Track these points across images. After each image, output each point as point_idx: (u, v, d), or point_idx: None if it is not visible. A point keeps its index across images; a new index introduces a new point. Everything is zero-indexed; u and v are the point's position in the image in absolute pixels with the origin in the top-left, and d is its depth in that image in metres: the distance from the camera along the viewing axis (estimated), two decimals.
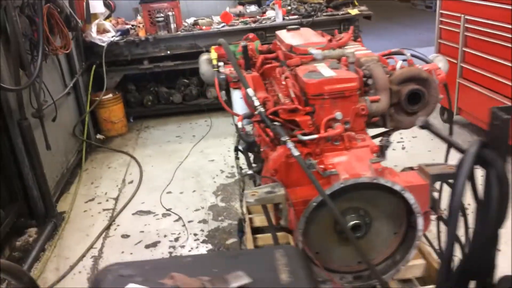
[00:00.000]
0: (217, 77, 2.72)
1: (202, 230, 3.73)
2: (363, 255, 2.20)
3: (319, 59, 2.44)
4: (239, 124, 2.66)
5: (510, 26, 3.98)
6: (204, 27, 5.94)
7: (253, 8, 6.50)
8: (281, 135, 2.25)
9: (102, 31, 5.81)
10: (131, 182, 4.66)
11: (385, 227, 2.38)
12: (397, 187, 2.18)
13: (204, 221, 3.86)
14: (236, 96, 2.77)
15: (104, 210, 4.18)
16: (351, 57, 2.37)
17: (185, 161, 4.99)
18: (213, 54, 2.76)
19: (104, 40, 5.64)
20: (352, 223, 2.25)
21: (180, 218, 3.93)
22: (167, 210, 4.08)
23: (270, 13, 6.29)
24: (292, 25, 5.99)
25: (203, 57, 3.01)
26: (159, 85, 6.37)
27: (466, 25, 4.60)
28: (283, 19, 5.97)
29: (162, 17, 5.72)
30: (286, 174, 2.28)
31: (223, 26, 5.96)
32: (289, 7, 6.22)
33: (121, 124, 5.95)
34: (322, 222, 2.30)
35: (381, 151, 2.29)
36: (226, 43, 2.85)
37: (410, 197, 2.20)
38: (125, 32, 5.90)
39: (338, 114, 2.24)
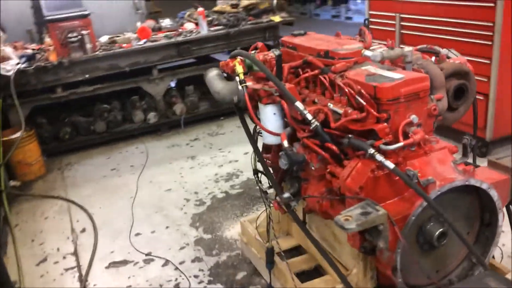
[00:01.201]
0: (246, 92, 2.36)
1: (202, 270, 3.28)
2: (475, 253, 2.06)
3: (377, 61, 2.25)
4: (285, 143, 2.35)
5: (443, 19, 4.26)
6: (124, 45, 5.36)
7: (168, 21, 6.08)
8: (364, 148, 2.01)
9: (1, 58, 4.89)
10: (84, 230, 3.95)
11: (460, 229, 2.27)
12: (484, 186, 2.08)
13: (198, 259, 3.40)
14: (269, 112, 2.44)
15: (66, 270, 3.46)
16: (409, 56, 2.23)
17: (138, 196, 4.40)
18: (239, 68, 2.39)
19: (8, 69, 4.75)
20: (439, 231, 2.10)
21: (167, 261, 3.41)
22: (147, 254, 3.52)
23: (188, 26, 5.94)
24: (218, 36, 5.79)
25: (212, 73, 2.61)
26: (74, 114, 5.58)
27: (401, 23, 4.80)
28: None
29: (75, 36, 5.01)
30: (373, 190, 2.05)
31: (145, 42, 5.44)
32: (209, 18, 5.92)
33: (38, 165, 5.07)
34: (408, 236, 2.11)
35: (465, 150, 2.18)
36: (250, 54, 2.50)
37: (494, 194, 2.12)
38: (30, 58, 5.05)
39: (414, 118, 2.07)
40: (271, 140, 2.51)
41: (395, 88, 2.03)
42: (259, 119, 2.48)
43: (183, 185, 4.50)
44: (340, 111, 2.18)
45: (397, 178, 2.05)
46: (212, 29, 5.72)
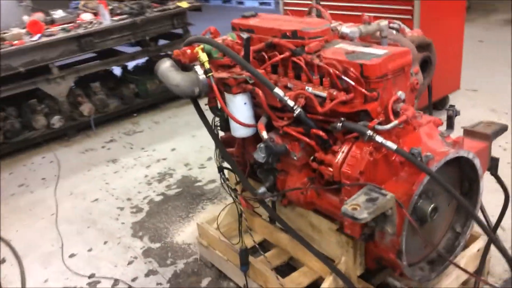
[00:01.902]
0: (213, 83, 2.09)
1: (160, 284, 2.96)
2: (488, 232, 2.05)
3: (355, 37, 2.11)
4: (264, 134, 2.14)
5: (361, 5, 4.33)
6: (15, 42, 4.66)
7: (61, 13, 5.42)
8: (361, 131, 1.88)
9: None
10: (3, 261, 3.36)
11: (442, 201, 2.27)
12: (471, 156, 2.09)
13: (152, 272, 3.06)
14: (239, 102, 2.20)
15: None
16: (385, 30, 2.14)
17: (60, 211, 3.87)
18: (203, 56, 2.10)
19: None
20: (431, 206, 2.06)
21: (117, 280, 3.03)
22: (90, 277, 3.10)
23: (85, 16, 5.35)
24: (123, 26, 5.27)
25: (165, 65, 2.28)
26: None
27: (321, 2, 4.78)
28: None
29: None
30: (373, 174, 1.93)
31: (40, 38, 4.78)
32: (110, 7, 5.40)
33: None
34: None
35: (450, 121, 2.15)
36: (213, 39, 2.23)
37: (478, 163, 2.14)
38: None
39: (401, 94, 1.99)
40: (243, 132, 2.29)
41: (383, 65, 1.93)
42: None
43: (111, 193, 4.06)
44: (323, 94, 2.03)
45: (392, 158, 1.97)
46: (115, 18, 5.22)
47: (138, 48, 5.81)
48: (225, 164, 2.56)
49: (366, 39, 2.27)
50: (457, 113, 2.11)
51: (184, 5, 5.56)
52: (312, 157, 2.16)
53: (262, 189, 2.34)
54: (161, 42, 5.96)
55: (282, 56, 2.19)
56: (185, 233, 3.41)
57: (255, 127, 2.27)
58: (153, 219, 3.61)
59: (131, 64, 6.04)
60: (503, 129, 2.19)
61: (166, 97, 5.79)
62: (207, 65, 2.13)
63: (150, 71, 5.72)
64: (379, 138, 1.86)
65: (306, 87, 2.10)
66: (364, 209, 1.77)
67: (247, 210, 2.90)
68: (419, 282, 2.17)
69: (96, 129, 5.33)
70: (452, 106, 2.12)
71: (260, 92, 2.12)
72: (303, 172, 2.24)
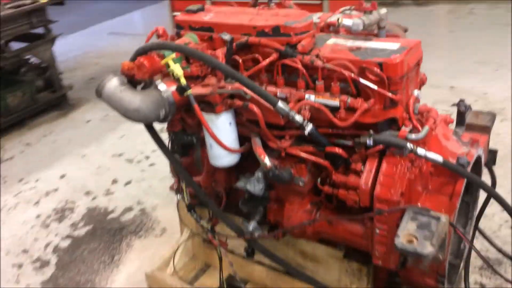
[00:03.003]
0: (195, 103, 1.55)
1: None
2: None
3: (359, 30, 1.73)
4: (267, 161, 1.68)
5: None
6: None
7: None
8: (400, 144, 1.55)
9: None
10: None
11: None
12: (480, 152, 1.92)
13: None
14: (223, 123, 1.69)
15: None
16: (384, 20, 1.81)
17: None
18: (178, 69, 1.52)
19: None
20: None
21: None
22: None
23: None
24: None
25: (113, 84, 1.63)
26: None
27: None
28: None
29: None
30: (411, 193, 1.62)
31: None
32: None
33: None
34: None
35: (461, 117, 1.91)
36: (181, 44, 1.66)
37: (483, 158, 1.98)
38: None
39: (418, 93, 1.71)
40: (228, 160, 1.80)
41: (404, 61, 1.62)
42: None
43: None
44: (335, 102, 1.65)
45: (423, 171, 1.69)
46: None
47: None
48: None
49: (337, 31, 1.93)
50: (468, 108, 1.92)
51: None
52: (319, 180, 1.78)
53: (252, 225, 1.88)
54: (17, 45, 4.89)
55: (270, 59, 1.73)
56: (118, 283, 2.75)
57: (239, 152, 1.80)
58: (68, 273, 2.86)
59: None
60: (494, 117, 2.06)
61: (34, 112, 4.80)
62: (183, 80, 1.58)
63: (8, 82, 4.68)
64: (421, 151, 1.55)
65: (307, 96, 1.70)
66: (424, 240, 1.46)
67: (204, 245, 2.42)
68: None
69: None
70: (462, 100, 1.91)
71: (256, 108, 1.65)
72: (306, 198, 1.85)
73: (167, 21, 5.09)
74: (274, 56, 1.73)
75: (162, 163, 3.86)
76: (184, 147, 2.05)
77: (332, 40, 1.81)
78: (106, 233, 3.17)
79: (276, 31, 1.77)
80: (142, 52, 1.66)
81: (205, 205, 2.00)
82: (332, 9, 3.83)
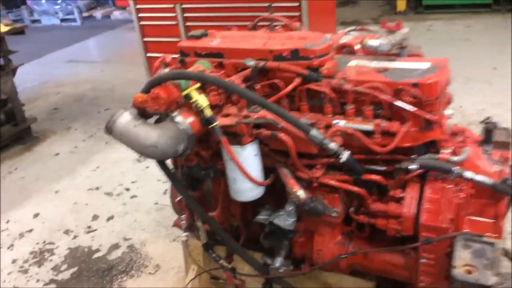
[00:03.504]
0: (222, 135, 1.41)
1: None
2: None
3: (386, 51, 1.66)
4: (301, 194, 1.56)
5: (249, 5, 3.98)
6: None
7: None
8: (446, 169, 1.48)
9: None
10: None
11: None
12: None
13: None
14: (250, 155, 1.56)
15: None
16: (407, 40, 1.75)
17: None
18: (202, 100, 1.38)
19: None
20: None
21: None
22: None
23: None
24: None
25: (126, 119, 1.47)
26: None
27: (185, 14, 4.22)
28: None
29: None
30: (458, 217, 1.55)
31: None
32: None
33: None
34: None
35: (488, 135, 1.86)
36: (201, 72, 1.52)
37: None
38: None
39: (450, 113, 1.66)
40: (254, 194, 1.67)
41: (439, 82, 1.56)
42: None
43: None
44: (369, 127, 1.56)
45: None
46: None
47: None
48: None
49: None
50: (495, 126, 1.88)
51: (3, 28, 4.32)
52: (353, 209, 1.68)
53: (279, 261, 1.75)
54: None
55: (294, 84, 1.63)
56: None
57: (265, 185, 1.68)
58: None
59: None
60: (509, 132, 2.04)
61: None
62: (208, 112, 1.45)
63: None
64: (468, 174, 1.49)
65: (334, 121, 1.60)
66: (484, 269, 1.38)
67: (211, 281, 2.27)
68: None
69: None
70: (489, 117, 1.87)
71: (286, 137, 1.54)
72: (337, 229, 1.74)
73: (136, 46, 4.90)
74: (297, 81, 1.64)
75: (144, 195, 3.67)
76: (194, 181, 1.90)
77: (353, 62, 1.74)
78: (94, 275, 2.92)
79: (295, 54, 1.68)
80: (157, 82, 1.52)
81: (223, 242, 1.85)
82: (310, 11, 3.80)
